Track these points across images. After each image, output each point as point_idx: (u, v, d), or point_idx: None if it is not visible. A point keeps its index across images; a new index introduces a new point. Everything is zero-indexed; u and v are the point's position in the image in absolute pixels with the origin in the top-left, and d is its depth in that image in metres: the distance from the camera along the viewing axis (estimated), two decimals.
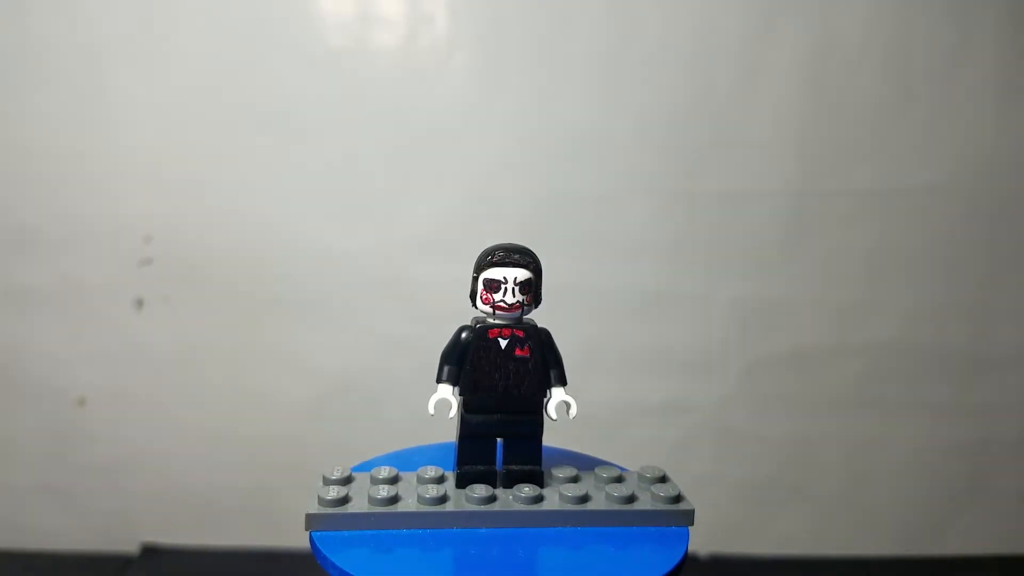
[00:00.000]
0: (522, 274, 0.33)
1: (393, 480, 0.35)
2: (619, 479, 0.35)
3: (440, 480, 0.35)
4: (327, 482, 0.34)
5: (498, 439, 0.35)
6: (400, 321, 0.75)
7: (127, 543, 0.79)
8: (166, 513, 0.79)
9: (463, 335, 0.34)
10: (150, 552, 0.79)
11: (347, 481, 0.35)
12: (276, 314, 0.75)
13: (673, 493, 0.34)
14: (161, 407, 0.77)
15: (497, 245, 0.34)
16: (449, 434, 0.36)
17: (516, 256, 0.33)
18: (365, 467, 0.37)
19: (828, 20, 0.72)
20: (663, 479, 0.36)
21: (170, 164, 0.73)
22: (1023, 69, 0.73)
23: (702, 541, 0.80)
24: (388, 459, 0.38)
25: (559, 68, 0.73)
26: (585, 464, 0.37)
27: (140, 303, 0.75)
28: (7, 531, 0.78)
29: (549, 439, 0.36)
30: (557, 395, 0.35)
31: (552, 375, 0.35)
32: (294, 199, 0.74)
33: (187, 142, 0.73)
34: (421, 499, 0.33)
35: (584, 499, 0.33)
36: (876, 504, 0.80)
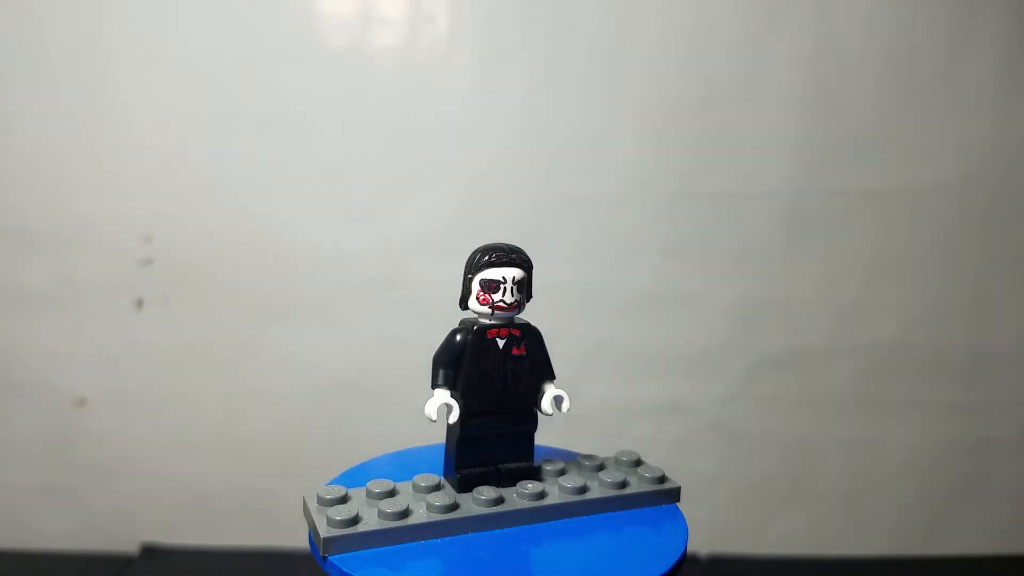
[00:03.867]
0: (519, 273, 0.34)
1: (392, 493, 0.34)
2: (602, 467, 0.37)
3: (438, 487, 0.34)
4: (324, 503, 0.33)
5: (497, 438, 0.35)
6: (400, 321, 0.75)
7: (127, 543, 0.79)
8: (166, 513, 0.79)
9: (458, 337, 0.34)
10: (150, 552, 0.79)
11: (344, 500, 0.33)
12: (276, 314, 0.75)
13: (657, 474, 0.36)
14: (161, 407, 0.77)
15: (490, 245, 0.34)
16: (440, 434, 0.36)
17: (514, 256, 0.34)
18: (354, 475, 0.37)
19: (828, 20, 0.72)
20: (639, 462, 0.38)
21: (170, 164, 0.73)
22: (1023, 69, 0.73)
23: (702, 541, 0.80)
24: (376, 465, 0.38)
25: (559, 68, 0.73)
26: (553, 455, 0.39)
27: (140, 303, 0.75)
28: (7, 531, 0.78)
29: (560, 440, 0.37)
30: (550, 390, 0.35)
31: (545, 370, 0.35)
32: (294, 199, 0.74)
33: (187, 142, 0.73)
34: (431, 508, 0.32)
35: (583, 489, 0.34)
36: (876, 504, 0.80)
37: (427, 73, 0.73)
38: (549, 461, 0.37)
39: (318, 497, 0.33)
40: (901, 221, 0.75)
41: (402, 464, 0.38)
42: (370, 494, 0.33)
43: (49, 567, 0.77)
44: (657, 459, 0.80)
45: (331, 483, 0.35)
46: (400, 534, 0.31)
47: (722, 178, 0.74)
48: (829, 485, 0.80)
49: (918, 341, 0.77)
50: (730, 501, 0.80)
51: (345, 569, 0.30)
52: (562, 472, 0.36)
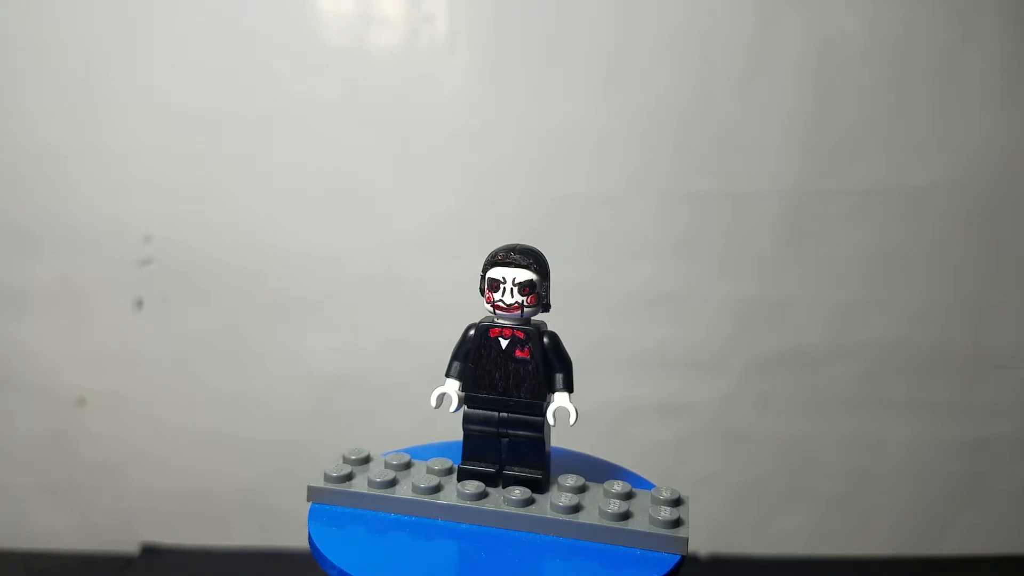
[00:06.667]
0: (522, 275, 0.33)
1: (405, 466, 0.35)
2: (628, 495, 0.34)
3: (446, 472, 0.35)
4: (348, 461, 0.35)
5: (503, 439, 0.34)
6: (400, 321, 0.75)
7: (127, 543, 0.79)
8: (166, 513, 0.79)
9: (470, 332, 0.34)
10: (150, 552, 0.79)
11: (364, 461, 0.36)
12: (276, 314, 0.75)
13: (672, 517, 0.31)
14: (161, 407, 0.77)
15: (505, 245, 0.34)
16: (454, 434, 0.36)
17: (516, 256, 0.33)
18: (433, 449, 0.38)
19: (829, 20, 0.72)
20: (676, 502, 0.33)
21: (170, 164, 0.73)
22: None
23: (702, 541, 0.80)
24: (431, 449, 0.39)
25: (559, 68, 0.73)
26: (607, 473, 0.37)
27: (140, 303, 0.75)
28: (7, 531, 0.78)
29: (560, 441, 0.36)
30: (559, 400, 0.34)
31: (556, 379, 0.34)
32: (294, 199, 0.74)
33: (187, 142, 0.73)
34: (415, 487, 0.33)
35: (575, 510, 0.32)
36: (876, 504, 0.80)
37: (427, 73, 0.73)
38: (568, 476, 0.35)
39: (343, 456, 0.36)
40: (901, 221, 0.75)
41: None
42: (387, 464, 0.35)
43: (49, 567, 0.77)
44: (657, 459, 0.80)
45: (403, 451, 0.37)
46: (379, 502, 0.33)
47: (722, 178, 0.74)
48: (829, 485, 0.80)
49: (918, 341, 0.77)
50: (730, 501, 0.80)
51: (310, 516, 0.33)
52: (577, 490, 0.34)
